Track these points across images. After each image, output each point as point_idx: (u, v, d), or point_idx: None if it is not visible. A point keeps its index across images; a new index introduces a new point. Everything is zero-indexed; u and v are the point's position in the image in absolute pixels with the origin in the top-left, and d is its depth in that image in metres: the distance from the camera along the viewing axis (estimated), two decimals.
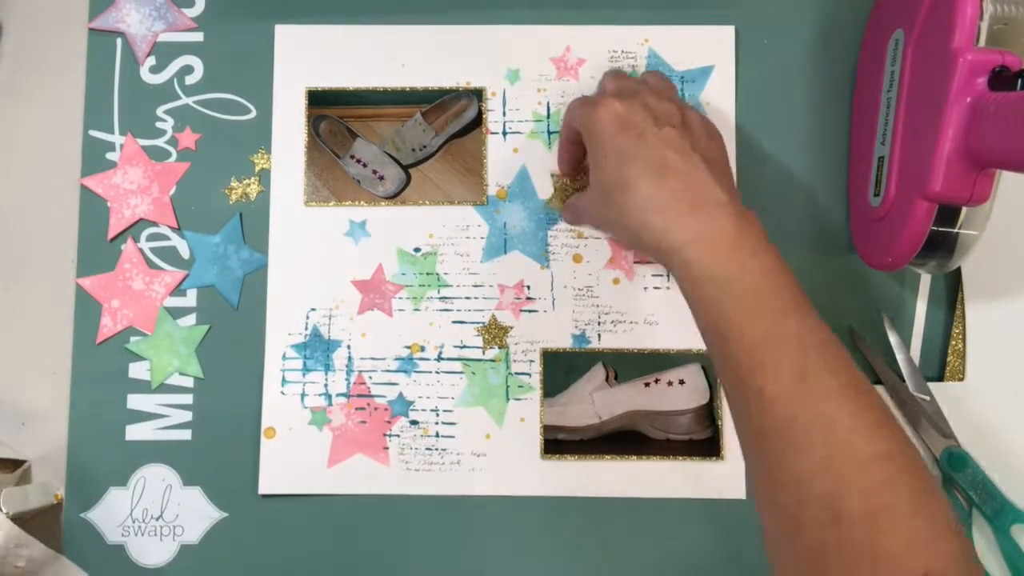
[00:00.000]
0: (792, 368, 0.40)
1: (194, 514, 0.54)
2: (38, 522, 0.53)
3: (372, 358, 0.55)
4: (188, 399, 0.55)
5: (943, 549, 0.37)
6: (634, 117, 0.46)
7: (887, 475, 0.38)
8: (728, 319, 0.42)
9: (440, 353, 0.55)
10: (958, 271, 0.54)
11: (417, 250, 0.56)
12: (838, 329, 0.54)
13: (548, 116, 0.56)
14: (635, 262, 0.55)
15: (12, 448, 0.54)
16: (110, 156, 0.57)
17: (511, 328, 0.55)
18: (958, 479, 0.52)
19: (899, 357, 0.54)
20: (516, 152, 0.56)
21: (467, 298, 0.55)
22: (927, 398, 0.53)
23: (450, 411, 0.55)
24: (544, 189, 0.56)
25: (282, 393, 0.55)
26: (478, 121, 0.57)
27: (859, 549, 0.37)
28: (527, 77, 0.57)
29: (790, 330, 0.41)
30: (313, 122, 0.57)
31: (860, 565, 0.37)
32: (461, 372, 0.55)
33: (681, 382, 0.54)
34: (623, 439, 0.54)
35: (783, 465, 0.39)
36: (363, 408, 0.55)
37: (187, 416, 0.55)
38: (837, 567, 0.37)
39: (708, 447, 0.54)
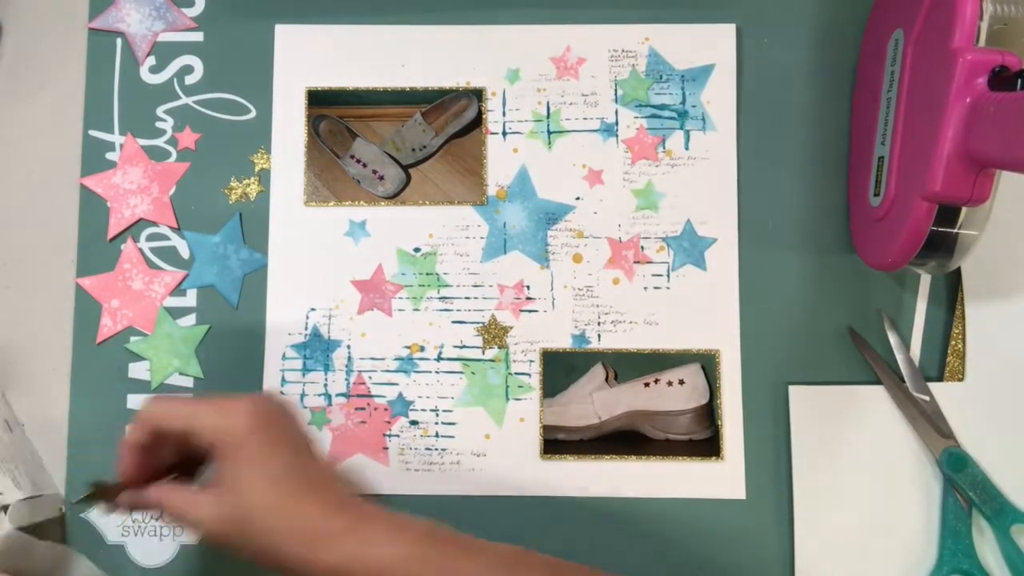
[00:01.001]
0: None
1: None
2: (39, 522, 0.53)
3: (372, 358, 0.55)
4: None
5: None
6: (272, 418, 0.44)
7: None
8: None
9: (440, 353, 0.55)
10: (958, 271, 0.54)
11: (417, 250, 0.56)
12: (838, 329, 0.54)
13: (548, 116, 0.56)
14: (635, 262, 0.55)
15: (43, 481, 0.53)
16: (110, 156, 0.57)
17: (511, 328, 0.55)
18: (958, 479, 0.52)
19: (899, 357, 0.54)
20: (516, 152, 0.56)
21: (467, 298, 0.55)
22: (927, 398, 0.53)
23: (450, 411, 0.55)
24: (544, 189, 0.56)
25: (282, 393, 0.55)
26: (478, 121, 0.56)
27: None
28: (527, 77, 0.57)
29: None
30: (313, 122, 0.57)
31: None
32: (461, 372, 0.55)
33: (681, 382, 0.54)
34: (623, 439, 0.54)
35: None
36: (363, 408, 0.55)
37: None
38: None
39: (708, 447, 0.54)
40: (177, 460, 0.46)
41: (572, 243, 0.56)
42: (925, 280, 0.55)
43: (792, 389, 0.54)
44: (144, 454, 0.44)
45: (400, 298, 0.55)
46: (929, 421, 0.52)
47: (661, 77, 0.56)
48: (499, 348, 0.55)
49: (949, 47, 0.44)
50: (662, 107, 0.56)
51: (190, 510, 0.43)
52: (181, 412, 0.43)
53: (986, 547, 0.52)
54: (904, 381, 0.53)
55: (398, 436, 0.54)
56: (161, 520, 0.53)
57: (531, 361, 0.55)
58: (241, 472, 0.42)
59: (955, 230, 0.47)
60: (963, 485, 0.51)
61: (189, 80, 0.57)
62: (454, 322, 0.55)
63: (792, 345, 0.55)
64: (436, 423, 0.55)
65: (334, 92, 0.57)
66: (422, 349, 0.55)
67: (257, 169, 0.57)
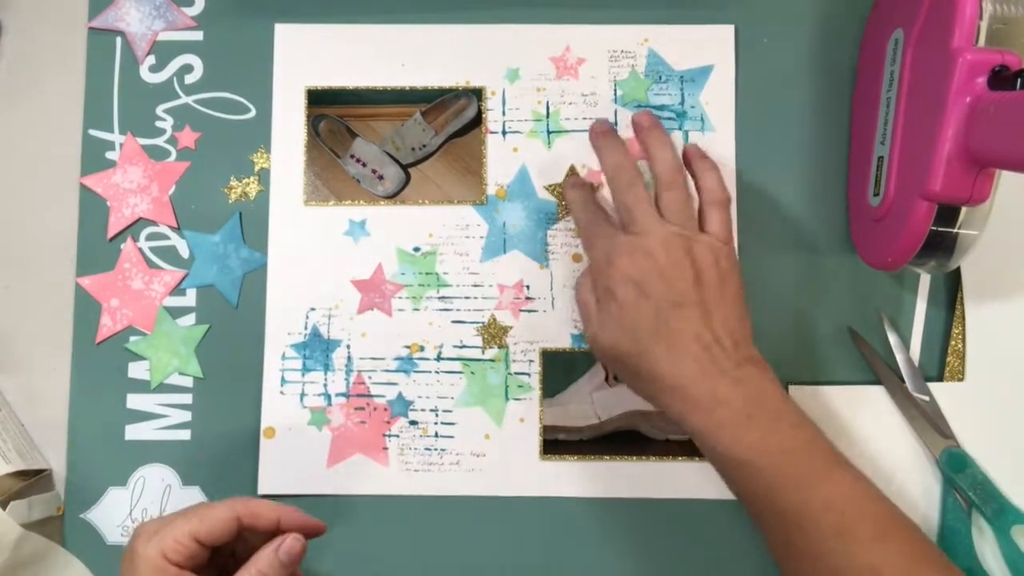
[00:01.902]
0: (872, 527, 0.43)
1: None
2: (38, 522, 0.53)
3: (372, 358, 0.55)
4: (188, 399, 0.55)
5: None
6: (650, 288, 0.46)
7: None
8: (780, 494, 0.44)
9: (440, 353, 0.55)
10: (958, 271, 0.54)
11: (417, 250, 0.56)
12: (838, 329, 0.54)
13: (548, 116, 0.56)
14: None
15: (23, 453, 0.54)
16: (110, 155, 0.57)
17: (511, 328, 0.55)
18: (958, 480, 0.51)
19: (899, 357, 0.54)
20: (516, 151, 0.56)
21: (467, 298, 0.55)
22: (926, 398, 0.53)
23: (449, 411, 0.55)
24: (544, 189, 0.56)
25: (281, 393, 0.55)
26: (478, 120, 0.56)
27: None
28: (527, 76, 0.57)
29: (839, 492, 0.44)
30: (313, 121, 0.57)
31: None
32: (461, 372, 0.55)
33: None
34: (623, 439, 0.54)
35: None
36: (362, 408, 0.55)
37: (187, 416, 0.55)
38: None
39: None
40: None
41: (572, 243, 0.56)
42: (925, 280, 0.55)
43: (792, 389, 0.54)
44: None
45: (400, 298, 0.55)
46: (929, 421, 0.52)
47: (660, 77, 0.56)
48: (499, 348, 0.55)
49: (949, 47, 0.44)
50: (661, 107, 0.56)
51: (588, 315, 0.50)
52: (578, 216, 0.53)
53: (986, 547, 0.52)
54: (904, 381, 0.53)
55: (398, 436, 0.54)
56: None
57: (531, 361, 0.55)
58: (617, 320, 0.47)
59: (955, 230, 0.47)
60: (963, 485, 0.51)
61: (189, 79, 0.57)
62: (454, 322, 0.55)
63: (792, 345, 0.55)
64: (436, 423, 0.54)
65: (334, 92, 0.57)
66: (422, 349, 0.55)
67: (257, 169, 0.57)
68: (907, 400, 0.53)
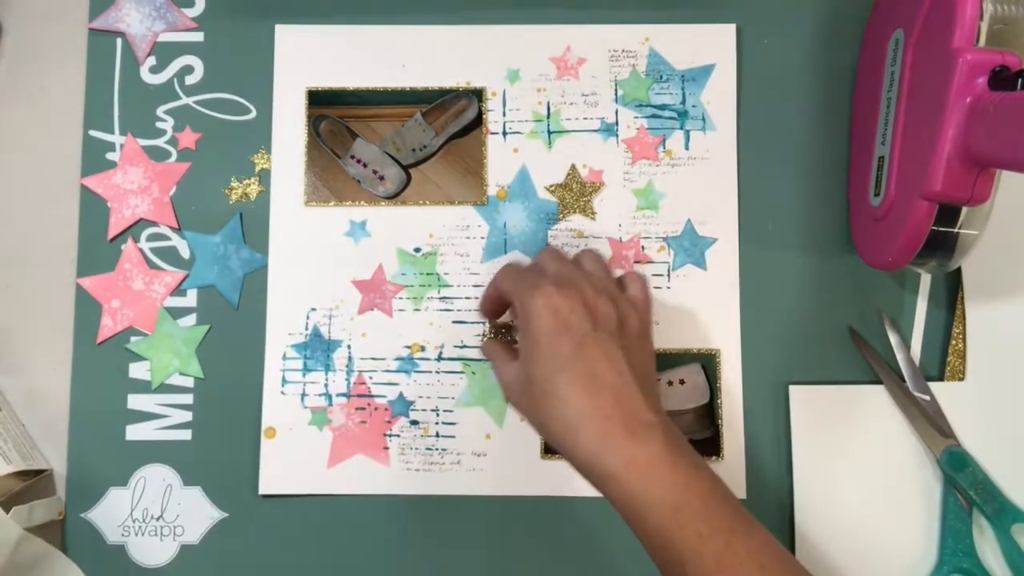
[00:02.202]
0: None
1: (194, 514, 0.54)
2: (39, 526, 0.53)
3: (372, 358, 0.55)
4: (188, 399, 0.55)
5: None
6: (573, 318, 0.44)
7: None
8: (679, 545, 0.41)
9: (440, 353, 0.55)
10: (958, 271, 0.54)
11: (417, 250, 0.56)
12: (838, 329, 0.54)
13: (548, 116, 0.56)
14: (635, 262, 0.55)
15: (23, 454, 0.54)
16: (110, 156, 0.57)
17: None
18: (958, 479, 0.52)
19: (899, 357, 0.54)
20: (516, 152, 0.56)
21: (467, 298, 0.55)
22: (927, 398, 0.53)
23: (450, 411, 0.55)
24: (545, 189, 0.56)
25: (282, 393, 0.55)
26: (478, 121, 0.56)
27: None
28: (527, 77, 0.57)
29: (741, 550, 0.41)
30: (313, 122, 0.57)
31: None
32: (461, 372, 0.55)
33: (681, 382, 0.54)
34: None
35: None
36: (363, 408, 0.55)
37: (187, 416, 0.55)
38: None
39: (708, 447, 0.54)
40: None
41: (572, 243, 0.56)
42: (925, 280, 0.55)
43: (792, 389, 0.54)
44: (494, 303, 0.51)
45: (400, 298, 0.55)
46: (930, 421, 0.53)
47: (661, 77, 0.57)
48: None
49: (949, 47, 0.44)
50: (662, 107, 0.56)
51: (500, 367, 0.48)
52: (507, 283, 0.48)
53: (986, 546, 0.52)
54: (904, 381, 0.53)
55: (398, 436, 0.54)
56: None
57: None
58: (530, 348, 0.45)
59: (955, 230, 0.47)
60: (964, 484, 0.51)
61: (189, 80, 0.57)
62: (455, 322, 0.55)
63: (792, 345, 0.55)
64: (436, 423, 0.55)
65: (334, 92, 0.57)
66: (422, 349, 0.55)
67: (257, 169, 0.57)
68: (908, 399, 0.53)
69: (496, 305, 0.51)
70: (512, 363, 0.47)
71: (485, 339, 0.55)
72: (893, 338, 0.54)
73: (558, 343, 0.44)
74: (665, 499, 0.41)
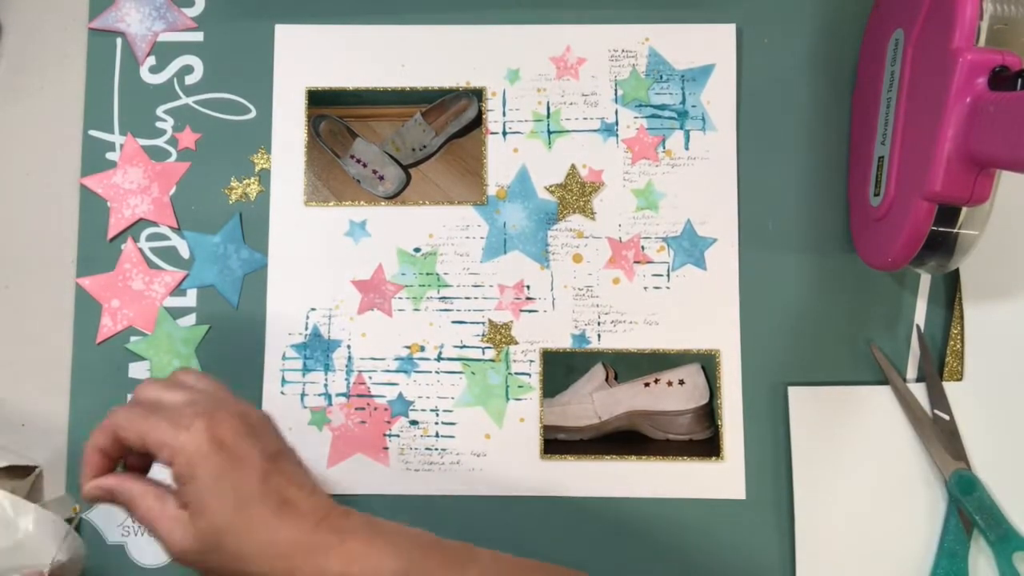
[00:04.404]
0: None
1: None
2: None
3: (372, 358, 0.55)
4: None
5: None
6: (228, 437, 0.40)
7: None
8: None
9: (440, 353, 0.55)
10: (956, 271, 0.54)
11: (417, 250, 0.56)
12: (838, 329, 0.54)
13: (548, 116, 0.56)
14: (635, 262, 0.55)
15: (14, 452, 0.54)
16: (110, 156, 0.57)
17: (511, 323, 0.55)
18: (965, 502, 0.51)
19: (925, 371, 0.53)
20: (516, 152, 0.56)
21: (467, 298, 0.55)
22: (946, 417, 0.52)
23: (450, 411, 0.55)
24: (544, 189, 0.56)
25: (282, 393, 0.55)
26: (478, 121, 0.56)
27: None
28: (527, 77, 0.57)
29: None
30: (313, 122, 0.57)
31: None
32: (461, 372, 0.55)
33: (681, 382, 0.54)
34: (623, 439, 0.54)
35: None
36: (363, 408, 0.55)
37: None
38: None
39: (708, 447, 0.54)
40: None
41: (572, 243, 0.56)
42: (925, 280, 0.55)
43: (791, 390, 0.54)
44: (107, 458, 0.42)
45: (400, 298, 0.55)
46: (940, 440, 0.52)
47: (661, 77, 0.56)
48: (502, 348, 0.55)
49: (949, 47, 0.44)
50: (662, 107, 0.56)
51: (162, 523, 0.40)
52: (137, 427, 0.41)
53: (988, 571, 0.51)
54: (905, 380, 0.53)
55: (398, 436, 0.54)
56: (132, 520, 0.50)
57: (531, 361, 0.55)
58: (203, 495, 0.39)
59: (955, 230, 0.47)
60: (969, 508, 0.51)
61: (189, 80, 0.57)
62: (454, 322, 0.55)
63: (792, 345, 0.55)
64: (436, 423, 0.55)
65: (334, 92, 0.57)
66: (422, 349, 0.55)
67: (257, 169, 0.57)
68: (922, 414, 0.52)
69: (106, 459, 0.42)
70: (173, 530, 0.40)
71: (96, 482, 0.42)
72: (918, 350, 0.54)
73: (231, 473, 0.40)
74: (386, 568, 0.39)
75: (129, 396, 0.55)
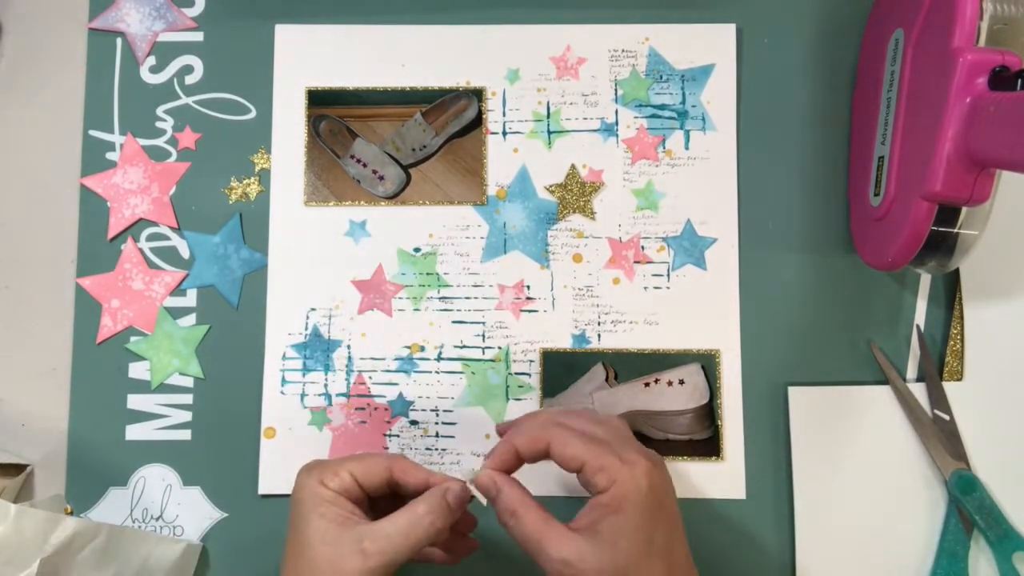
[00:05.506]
0: None
1: (194, 514, 0.54)
2: None
3: (372, 358, 0.55)
4: (188, 399, 0.55)
5: None
6: (662, 487, 0.41)
7: None
8: None
9: (440, 353, 0.55)
10: (956, 271, 0.54)
11: (417, 250, 0.56)
12: (838, 329, 0.54)
13: (548, 116, 0.56)
14: (635, 262, 0.55)
15: (12, 451, 0.54)
16: (110, 156, 0.57)
17: (511, 326, 0.55)
18: (965, 502, 0.51)
19: (925, 371, 0.53)
20: (516, 152, 0.56)
21: (467, 298, 0.55)
22: (947, 418, 0.52)
23: (450, 411, 0.55)
24: (544, 189, 0.56)
25: (282, 393, 0.55)
26: (478, 121, 0.56)
27: None
28: (527, 77, 0.57)
29: None
30: (313, 122, 0.57)
31: None
32: (461, 372, 0.55)
33: (681, 382, 0.54)
34: None
35: None
36: (363, 408, 0.55)
37: (187, 416, 0.55)
38: None
39: (708, 447, 0.54)
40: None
41: (572, 243, 0.56)
42: (925, 280, 0.55)
43: (791, 390, 0.54)
44: (516, 459, 0.43)
45: (400, 298, 0.55)
46: (942, 440, 0.52)
47: (661, 77, 0.57)
48: (499, 348, 0.55)
49: (949, 47, 0.44)
50: (662, 107, 0.56)
51: (551, 539, 0.40)
52: (578, 449, 0.41)
53: (987, 571, 0.51)
54: (905, 380, 0.53)
55: (398, 436, 0.54)
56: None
57: (531, 361, 0.55)
58: (623, 529, 0.40)
59: (955, 230, 0.47)
60: (969, 508, 0.51)
61: (189, 80, 0.57)
62: (454, 322, 0.55)
63: (792, 345, 0.55)
64: (436, 423, 0.55)
65: (334, 92, 0.57)
66: (422, 349, 0.55)
67: (257, 169, 0.57)
68: (921, 413, 0.53)
69: (517, 460, 0.44)
70: (577, 537, 0.41)
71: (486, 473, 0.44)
72: (918, 350, 0.54)
73: (653, 525, 0.40)
74: None
75: (129, 396, 0.55)
